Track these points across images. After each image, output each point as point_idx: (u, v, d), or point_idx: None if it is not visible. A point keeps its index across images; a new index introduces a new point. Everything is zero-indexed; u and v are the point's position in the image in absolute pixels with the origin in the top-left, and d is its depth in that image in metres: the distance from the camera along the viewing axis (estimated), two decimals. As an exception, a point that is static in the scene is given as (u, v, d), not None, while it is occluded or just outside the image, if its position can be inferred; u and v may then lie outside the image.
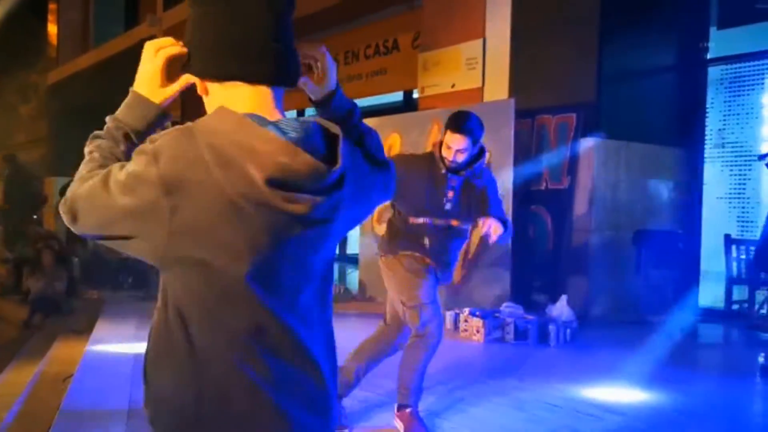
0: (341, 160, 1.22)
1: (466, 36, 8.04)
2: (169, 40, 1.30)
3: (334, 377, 1.32)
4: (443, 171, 3.49)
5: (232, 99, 1.24)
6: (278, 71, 1.27)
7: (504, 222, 3.42)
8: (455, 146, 3.41)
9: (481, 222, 3.39)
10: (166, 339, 1.22)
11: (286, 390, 1.22)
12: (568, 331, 5.96)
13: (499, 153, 6.96)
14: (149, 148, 1.16)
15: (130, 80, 1.33)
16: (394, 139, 8.37)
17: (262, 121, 1.19)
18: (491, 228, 3.31)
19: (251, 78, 1.25)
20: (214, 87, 1.28)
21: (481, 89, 7.88)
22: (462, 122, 3.44)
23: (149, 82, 1.30)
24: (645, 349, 5.87)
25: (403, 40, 10.10)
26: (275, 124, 1.20)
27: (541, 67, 7.36)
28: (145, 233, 1.16)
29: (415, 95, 9.73)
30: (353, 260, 10.71)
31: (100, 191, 1.17)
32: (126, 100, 1.32)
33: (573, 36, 7.18)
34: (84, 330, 6.42)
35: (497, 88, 7.63)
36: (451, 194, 3.50)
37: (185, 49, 1.29)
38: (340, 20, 10.59)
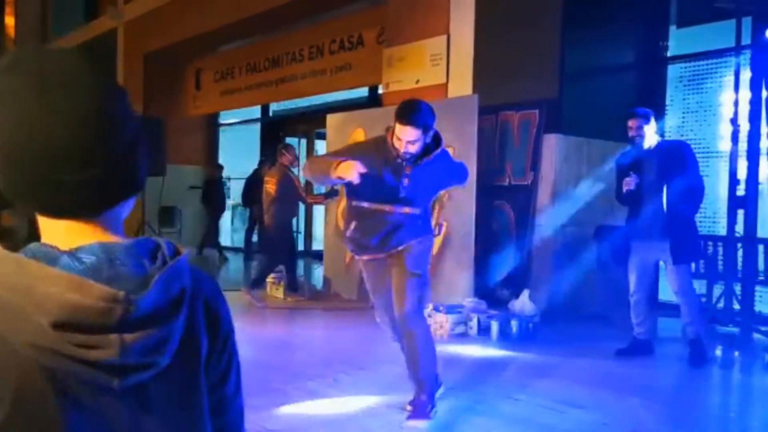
0: (154, 285, 0.88)
1: (431, 32, 8.04)
2: None
3: None
4: (398, 160, 3.47)
5: (49, 225, 0.95)
6: (87, 200, 0.93)
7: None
8: (405, 138, 3.38)
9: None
10: None
11: None
12: (531, 325, 6.01)
13: (462, 148, 6.98)
14: None
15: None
16: (358, 134, 8.35)
17: (50, 255, 0.90)
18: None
19: (43, 210, 0.94)
20: None
21: (446, 85, 7.89)
22: (410, 112, 3.38)
23: None
24: (605, 343, 5.98)
25: (368, 36, 10.09)
26: (72, 254, 0.91)
27: (504, 64, 7.40)
28: None
29: (380, 91, 9.72)
30: (318, 256, 10.67)
31: None
32: None
33: (536, 33, 7.23)
34: None
35: (461, 84, 7.65)
36: (406, 182, 3.49)
37: None
38: (305, 15, 10.53)
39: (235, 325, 1.05)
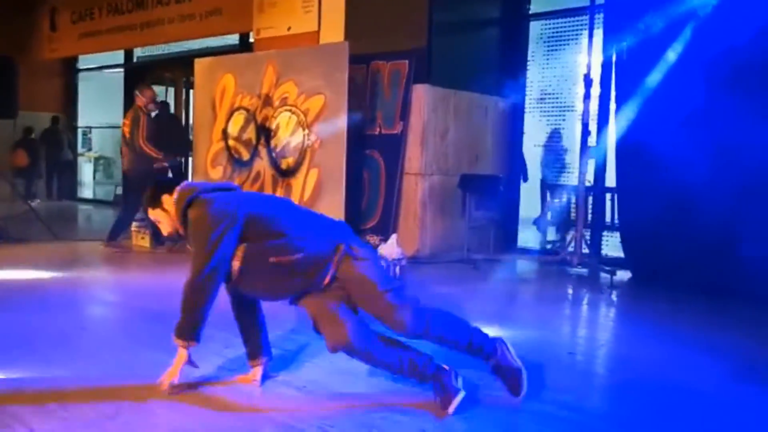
0: None
1: (303, -22, 7.95)
2: None
3: None
4: None
5: None
6: None
7: None
8: None
9: None
10: None
11: None
12: (398, 268, 6.21)
13: (333, 96, 7.02)
14: None
15: None
16: (227, 80, 8.17)
17: None
18: None
19: None
20: None
21: (317, 33, 7.86)
22: None
23: None
24: (469, 284, 6.30)
25: (238, -20, 9.79)
26: None
27: (375, 13, 7.46)
28: None
29: (251, 39, 9.51)
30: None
31: None
32: None
33: (406, -17, 7.32)
34: None
35: (333, 32, 7.65)
36: None
37: None
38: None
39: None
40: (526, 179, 8.31)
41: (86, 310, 4.95)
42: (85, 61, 13.88)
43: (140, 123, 7.28)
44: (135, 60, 13.00)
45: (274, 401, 2.98)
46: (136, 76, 12.91)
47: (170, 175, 7.96)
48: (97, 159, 14.61)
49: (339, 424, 2.73)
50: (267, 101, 7.71)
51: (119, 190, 13.86)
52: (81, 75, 14.04)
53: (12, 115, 8.72)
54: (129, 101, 13.03)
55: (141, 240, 7.83)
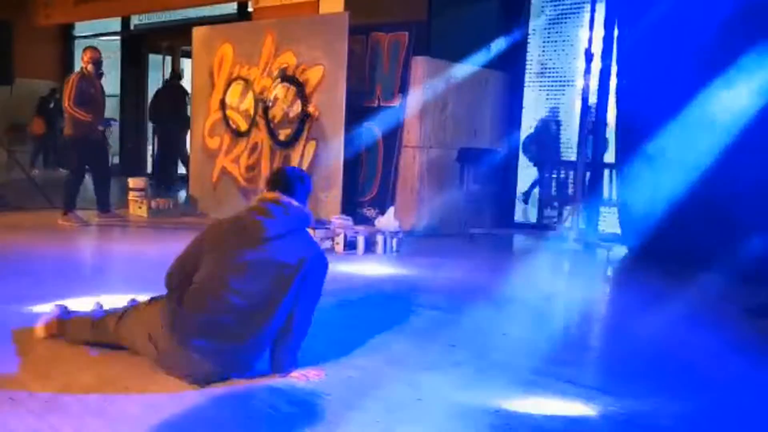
0: None
1: (303, -54, 7.85)
2: None
3: None
4: None
5: None
6: None
7: None
8: None
9: None
10: None
11: None
12: (395, 240, 6.23)
13: (332, 67, 6.97)
14: None
15: None
16: (226, 49, 8.10)
17: None
18: None
19: None
20: None
21: (317, 2, 7.78)
22: None
23: None
24: (465, 257, 6.32)
25: (238, -53, 9.68)
26: None
27: (376, -16, 7.38)
28: None
29: (250, 8, 9.42)
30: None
31: None
32: None
33: (407, -47, 7.24)
34: None
35: (332, 2, 7.57)
36: None
37: None
38: None
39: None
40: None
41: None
42: (81, 29, 13.74)
43: (68, 85, 6.93)
44: (132, 28, 12.87)
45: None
46: (133, 44, 12.82)
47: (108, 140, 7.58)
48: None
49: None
50: (265, 72, 7.65)
51: (116, 159, 13.82)
52: (77, 42, 13.89)
53: (8, 81, 8.64)
54: (126, 69, 12.98)
55: (138, 210, 7.82)
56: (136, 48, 12.75)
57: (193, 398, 2.62)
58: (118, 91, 13.07)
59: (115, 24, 12.96)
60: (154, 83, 12.51)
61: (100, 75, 7.15)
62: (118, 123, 7.15)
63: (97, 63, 7.08)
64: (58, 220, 6.89)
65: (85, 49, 7.19)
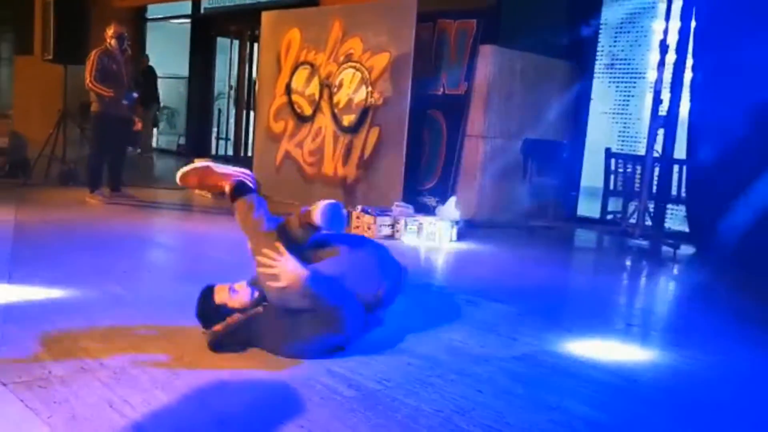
0: None
1: (372, -68, 7.82)
2: None
3: None
4: None
5: None
6: None
7: None
8: None
9: None
10: None
11: None
12: (455, 229, 6.20)
13: (399, 54, 6.95)
14: None
15: None
16: (293, 34, 8.17)
17: None
18: None
19: None
20: None
21: (385, -12, 7.73)
22: None
23: None
24: (524, 249, 6.24)
25: (308, -68, 9.69)
26: None
27: (445, -29, 7.30)
28: None
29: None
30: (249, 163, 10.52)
31: None
32: None
33: (479, -60, 7.13)
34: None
35: (401, -12, 7.51)
36: None
37: None
38: None
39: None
40: None
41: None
42: (153, 11, 14.05)
43: (90, 61, 6.92)
44: (202, 11, 13.09)
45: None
46: (202, 27, 13.04)
47: (137, 123, 7.44)
48: (161, 109, 14.85)
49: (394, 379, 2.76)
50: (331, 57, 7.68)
51: (182, 140, 14.13)
52: (149, 25, 14.23)
53: (83, 61, 8.89)
54: (195, 52, 13.21)
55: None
56: (205, 31, 12.95)
57: (258, 378, 2.67)
58: (186, 73, 13.34)
59: (185, 7, 13.21)
60: (222, 66, 12.72)
61: (123, 51, 7.12)
62: (136, 96, 7.01)
63: (121, 38, 7.06)
64: (85, 198, 6.96)
65: (109, 25, 7.18)
